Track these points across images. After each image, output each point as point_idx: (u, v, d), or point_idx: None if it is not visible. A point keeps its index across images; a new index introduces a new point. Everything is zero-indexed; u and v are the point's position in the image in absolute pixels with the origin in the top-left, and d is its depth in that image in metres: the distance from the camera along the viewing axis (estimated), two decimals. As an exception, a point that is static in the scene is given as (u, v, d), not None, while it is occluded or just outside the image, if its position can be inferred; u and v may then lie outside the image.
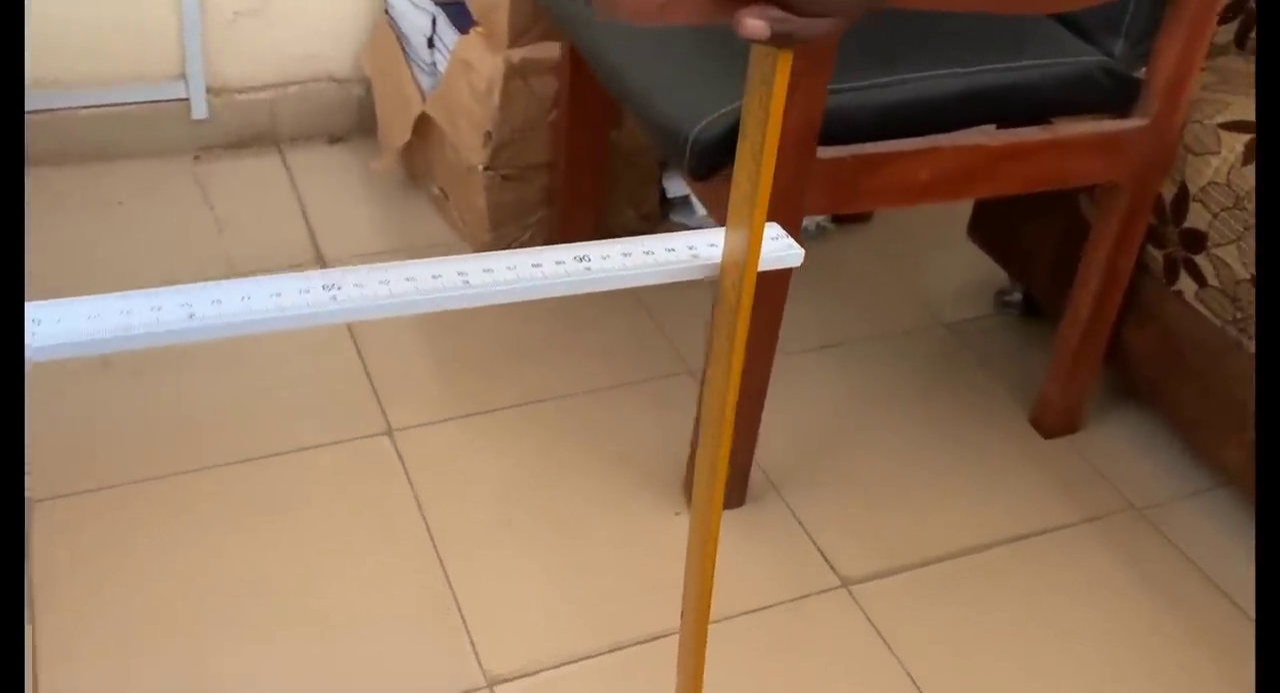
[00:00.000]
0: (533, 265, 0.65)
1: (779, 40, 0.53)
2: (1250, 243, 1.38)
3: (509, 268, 0.65)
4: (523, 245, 1.82)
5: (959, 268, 1.93)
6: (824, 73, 1.19)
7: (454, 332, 1.70)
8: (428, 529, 1.40)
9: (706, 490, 0.78)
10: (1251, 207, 1.37)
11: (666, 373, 1.68)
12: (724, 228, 0.67)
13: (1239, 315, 1.41)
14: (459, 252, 1.78)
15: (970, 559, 1.45)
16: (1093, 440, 1.64)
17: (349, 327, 1.68)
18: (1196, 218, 1.43)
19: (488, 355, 1.68)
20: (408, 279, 0.62)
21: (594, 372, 1.67)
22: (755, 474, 1.50)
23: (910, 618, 1.37)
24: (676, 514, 1.47)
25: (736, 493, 1.48)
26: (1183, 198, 1.44)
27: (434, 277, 0.63)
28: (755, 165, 0.61)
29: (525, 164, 1.75)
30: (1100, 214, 1.49)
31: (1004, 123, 1.39)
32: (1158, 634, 1.38)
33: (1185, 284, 1.47)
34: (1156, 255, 1.50)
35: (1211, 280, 1.44)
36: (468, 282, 0.63)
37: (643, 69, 1.36)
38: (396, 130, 1.92)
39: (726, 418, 0.76)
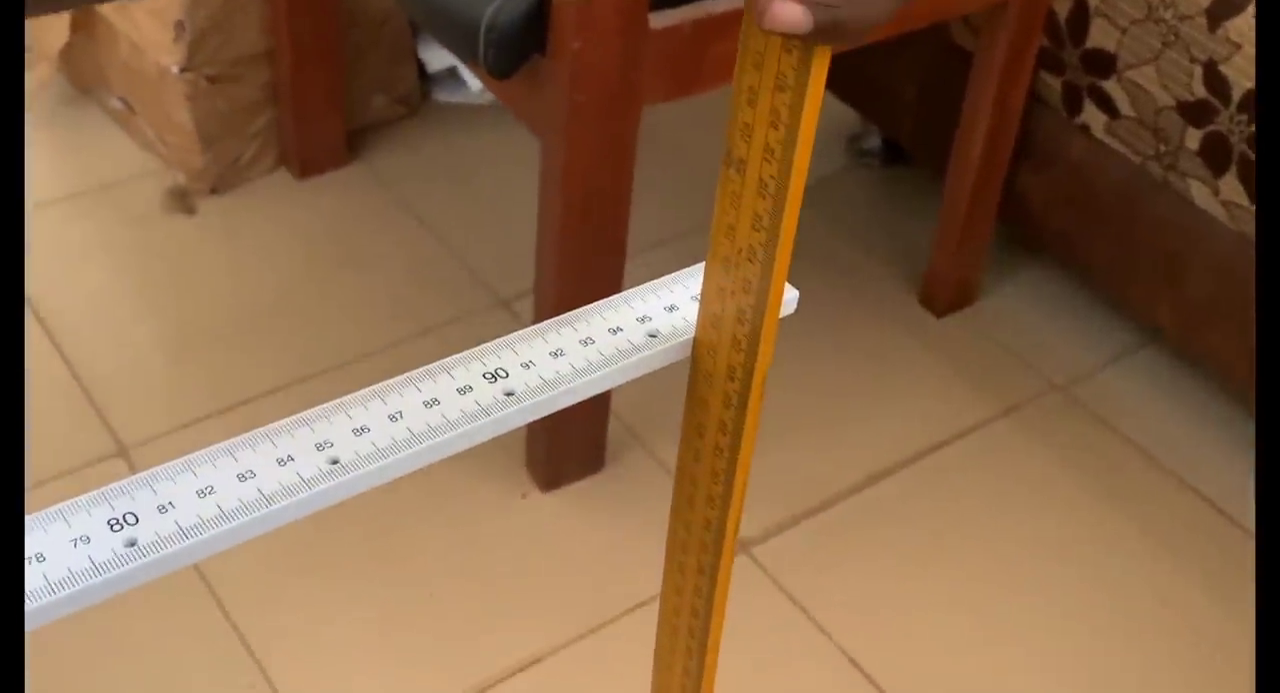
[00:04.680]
0: (424, 404, 0.49)
1: (823, 34, 0.42)
2: (1171, 62, 1.22)
3: (392, 417, 0.47)
4: (250, 161, 1.52)
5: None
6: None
7: (173, 298, 1.42)
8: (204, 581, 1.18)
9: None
10: (1170, 17, 1.21)
11: (473, 307, 1.44)
12: (674, 278, 0.54)
13: (1163, 148, 1.27)
14: (165, 183, 1.50)
15: (881, 487, 1.30)
16: (992, 311, 1.49)
17: (59, 350, 1.38)
18: (1101, 36, 1.27)
19: (225, 329, 1.41)
20: (241, 477, 0.41)
21: (377, 327, 1.41)
22: (613, 425, 1.30)
23: (823, 575, 1.22)
24: (524, 497, 1.27)
25: (592, 456, 1.29)
26: (1081, 12, 1.28)
27: (279, 462, 0.42)
28: (764, 189, 0.46)
29: (235, 57, 1.46)
30: (983, 41, 1.31)
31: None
32: (1118, 537, 1.27)
33: (1092, 116, 1.31)
34: (1053, 84, 1.34)
35: (1125, 110, 1.28)
36: (336, 461, 0.44)
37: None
38: (49, 31, 1.57)
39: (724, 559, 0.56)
